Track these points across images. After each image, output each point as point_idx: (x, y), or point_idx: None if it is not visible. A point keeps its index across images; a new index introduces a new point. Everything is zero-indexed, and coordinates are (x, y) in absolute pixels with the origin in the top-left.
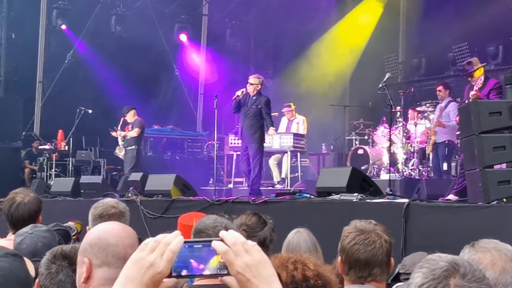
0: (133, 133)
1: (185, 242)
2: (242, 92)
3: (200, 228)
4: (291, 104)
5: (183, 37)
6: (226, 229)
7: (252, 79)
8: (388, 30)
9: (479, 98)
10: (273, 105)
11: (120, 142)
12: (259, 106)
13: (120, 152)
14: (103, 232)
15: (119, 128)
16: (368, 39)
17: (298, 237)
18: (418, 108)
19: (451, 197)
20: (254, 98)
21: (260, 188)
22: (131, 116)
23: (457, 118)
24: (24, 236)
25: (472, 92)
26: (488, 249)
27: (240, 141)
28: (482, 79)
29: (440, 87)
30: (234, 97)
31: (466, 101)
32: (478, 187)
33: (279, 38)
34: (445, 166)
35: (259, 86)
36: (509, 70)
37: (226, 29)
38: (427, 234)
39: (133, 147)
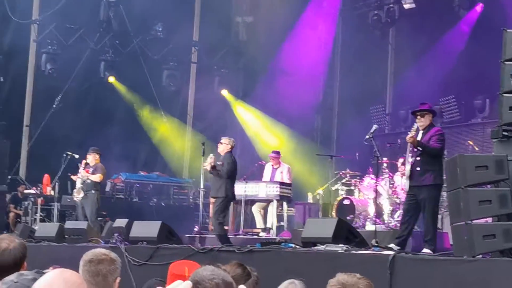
0: (96, 178)
1: None
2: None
3: (197, 280)
4: (279, 151)
5: (172, 84)
6: (224, 281)
7: (224, 139)
8: (376, 81)
9: (415, 141)
10: (259, 154)
11: (79, 185)
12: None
13: (78, 195)
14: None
15: (81, 170)
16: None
17: None
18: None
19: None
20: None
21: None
22: (92, 159)
23: None
24: (9, 284)
25: (409, 135)
26: None
27: None
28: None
29: None
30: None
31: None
32: (463, 241)
33: (268, 86)
34: None
35: (229, 147)
36: (495, 124)
37: (215, 77)
38: (412, 287)
39: (94, 191)
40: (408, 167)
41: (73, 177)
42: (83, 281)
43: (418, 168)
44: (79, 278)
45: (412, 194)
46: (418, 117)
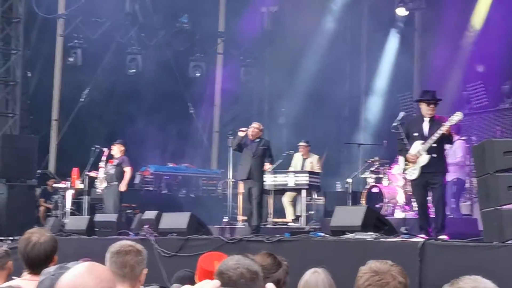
0: (128, 171)
1: None
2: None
3: (221, 270)
4: (307, 141)
5: (198, 75)
6: (248, 270)
7: (256, 124)
8: (403, 68)
9: (450, 131)
10: (287, 143)
11: (101, 175)
12: (264, 147)
13: (101, 184)
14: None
15: (105, 161)
16: (383, 77)
17: (316, 277)
18: None
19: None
20: (257, 140)
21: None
22: (117, 150)
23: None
24: (46, 276)
25: (447, 127)
26: None
27: None
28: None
29: None
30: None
31: (435, 136)
32: (493, 226)
33: (294, 76)
34: (454, 204)
35: (261, 133)
36: None
37: (241, 68)
38: (442, 273)
39: (116, 182)
40: (426, 156)
41: (90, 174)
42: (113, 277)
43: (434, 155)
44: (110, 274)
45: (423, 183)
46: (432, 106)
